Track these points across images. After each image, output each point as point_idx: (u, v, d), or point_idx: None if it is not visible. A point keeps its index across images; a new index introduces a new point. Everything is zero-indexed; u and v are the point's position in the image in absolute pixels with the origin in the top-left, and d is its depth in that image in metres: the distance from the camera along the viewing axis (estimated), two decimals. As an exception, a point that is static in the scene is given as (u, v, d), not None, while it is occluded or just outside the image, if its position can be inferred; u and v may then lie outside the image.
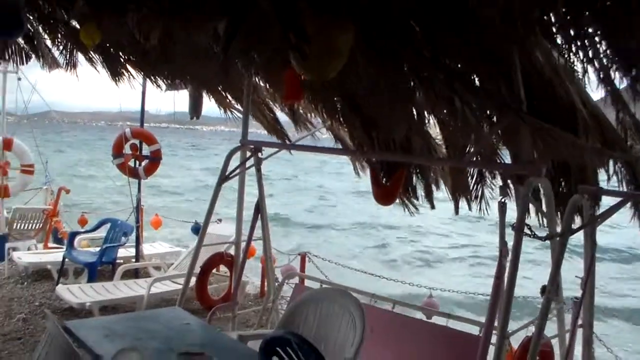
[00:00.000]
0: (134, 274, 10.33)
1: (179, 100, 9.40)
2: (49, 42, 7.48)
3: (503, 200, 4.65)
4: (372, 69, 4.63)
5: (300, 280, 7.67)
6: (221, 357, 4.00)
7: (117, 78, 7.51)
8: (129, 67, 7.52)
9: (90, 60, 7.32)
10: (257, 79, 6.70)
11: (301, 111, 7.21)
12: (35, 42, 7.38)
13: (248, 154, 6.72)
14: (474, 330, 5.38)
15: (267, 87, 6.92)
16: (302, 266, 9.50)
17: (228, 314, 7.29)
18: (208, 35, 5.13)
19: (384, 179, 6.18)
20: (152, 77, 7.89)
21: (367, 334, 4.52)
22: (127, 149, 10.33)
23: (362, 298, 5.52)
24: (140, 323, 4.93)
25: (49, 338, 4.28)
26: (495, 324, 4.33)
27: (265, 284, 8.87)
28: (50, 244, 12.88)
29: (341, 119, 6.37)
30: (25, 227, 13.70)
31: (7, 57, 7.62)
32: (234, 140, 7.01)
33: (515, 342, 5.10)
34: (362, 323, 4.56)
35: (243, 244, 7.17)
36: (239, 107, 7.75)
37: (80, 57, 7.40)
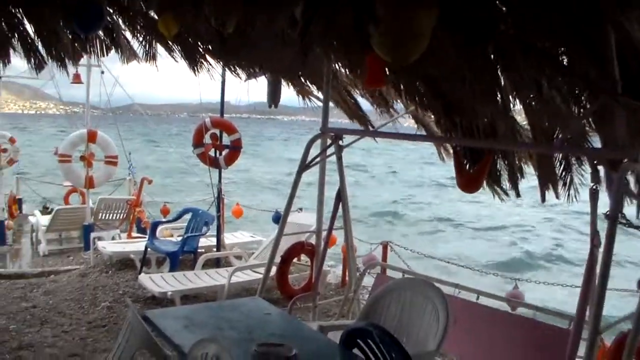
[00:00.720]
0: (216, 263, 10.40)
1: (259, 90, 9.40)
2: (128, 34, 7.52)
3: (595, 187, 4.42)
4: (454, 51, 4.45)
5: (382, 270, 7.53)
6: (301, 348, 3.90)
7: (195, 68, 7.49)
8: (207, 56, 7.50)
9: (169, 51, 7.32)
10: (337, 65, 6.56)
11: (383, 97, 7.06)
12: (115, 35, 7.43)
13: (329, 141, 6.61)
14: (563, 324, 5.16)
15: (348, 72, 6.77)
16: (384, 256, 9.36)
17: (309, 303, 7.23)
18: (285, 20, 5.03)
19: (468, 166, 5.99)
20: (231, 67, 7.86)
21: (451, 325, 4.38)
22: (207, 139, 10.39)
23: (446, 288, 5.37)
24: (220, 313, 4.90)
25: (130, 327, 4.30)
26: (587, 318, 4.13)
27: (347, 273, 8.81)
28: (134, 234, 13.15)
29: (424, 105, 6.19)
30: (110, 217, 14.06)
31: (87, 50, 7.69)
32: (316, 129, 6.89)
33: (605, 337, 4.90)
34: (445, 314, 4.43)
35: (324, 233, 7.08)
36: (319, 94, 7.65)
37: (160, 48, 7.42)
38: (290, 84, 7.89)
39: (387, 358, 3.69)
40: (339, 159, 6.53)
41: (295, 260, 8.45)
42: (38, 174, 25.07)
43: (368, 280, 7.55)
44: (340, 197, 6.55)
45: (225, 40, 6.13)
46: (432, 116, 6.45)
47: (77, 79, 13.12)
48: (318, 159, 6.67)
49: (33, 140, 58.11)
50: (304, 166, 6.51)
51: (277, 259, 7.46)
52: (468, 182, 5.87)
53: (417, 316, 4.69)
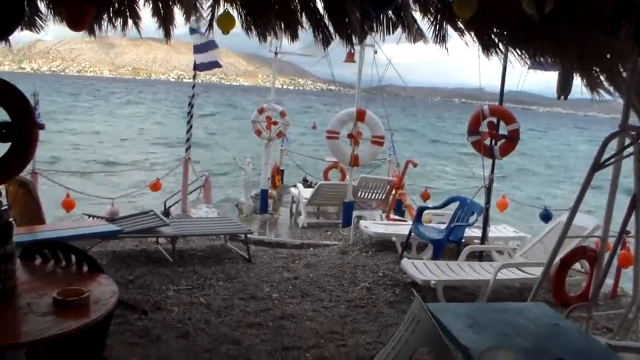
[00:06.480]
0: (478, 256, 10.12)
1: (545, 79, 8.87)
2: (417, 14, 7.28)
3: None
4: None
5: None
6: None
7: (488, 52, 7.08)
8: (496, 40, 7.07)
9: (461, 33, 7.00)
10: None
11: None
12: (403, 14, 7.24)
13: (627, 141, 6.00)
14: None
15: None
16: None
17: (582, 314, 6.68)
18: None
19: None
20: (517, 52, 7.37)
21: None
22: (483, 127, 10.02)
23: None
24: (505, 316, 4.55)
25: (415, 320, 4.08)
26: None
27: (617, 284, 8.54)
28: (392, 215, 13.17)
29: None
30: (369, 196, 14.16)
31: (375, 28, 7.56)
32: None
33: None
34: None
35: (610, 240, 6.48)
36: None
37: (450, 30, 7.10)
38: (583, 74, 7.27)
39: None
40: (638, 160, 5.90)
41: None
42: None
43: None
44: (635, 202, 5.93)
45: (532, 24, 5.68)
46: None
47: (350, 57, 13.28)
48: (613, 159, 6.07)
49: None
50: (596, 165, 5.96)
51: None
52: None
53: None
